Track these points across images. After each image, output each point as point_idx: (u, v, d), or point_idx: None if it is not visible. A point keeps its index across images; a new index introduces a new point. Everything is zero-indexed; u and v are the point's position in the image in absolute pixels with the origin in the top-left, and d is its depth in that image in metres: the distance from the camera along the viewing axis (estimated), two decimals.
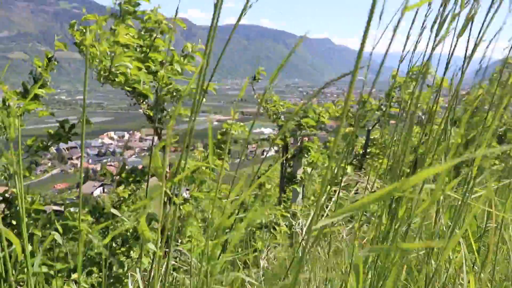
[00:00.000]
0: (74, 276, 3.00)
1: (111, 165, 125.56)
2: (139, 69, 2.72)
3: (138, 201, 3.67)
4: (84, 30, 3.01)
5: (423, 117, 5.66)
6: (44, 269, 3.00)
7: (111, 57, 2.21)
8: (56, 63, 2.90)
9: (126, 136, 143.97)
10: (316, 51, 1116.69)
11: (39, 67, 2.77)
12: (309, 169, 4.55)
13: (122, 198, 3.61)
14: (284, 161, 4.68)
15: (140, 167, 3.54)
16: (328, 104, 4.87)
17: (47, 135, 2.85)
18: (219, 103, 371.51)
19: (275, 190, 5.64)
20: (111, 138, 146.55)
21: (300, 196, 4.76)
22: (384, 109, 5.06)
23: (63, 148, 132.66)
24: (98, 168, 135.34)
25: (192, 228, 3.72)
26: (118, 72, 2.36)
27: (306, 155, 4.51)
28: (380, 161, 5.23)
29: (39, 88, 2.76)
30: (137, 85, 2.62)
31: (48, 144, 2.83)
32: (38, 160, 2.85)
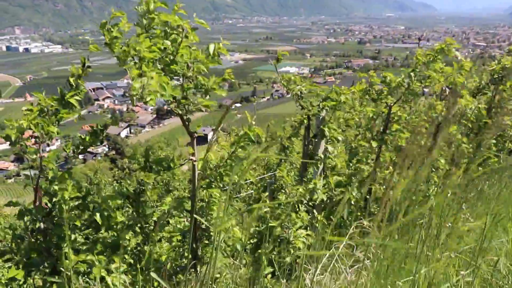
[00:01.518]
0: (114, 264, 3.30)
1: (137, 105, 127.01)
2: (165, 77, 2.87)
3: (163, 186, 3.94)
4: (112, 30, 3.15)
5: (447, 91, 5.70)
6: (87, 257, 3.31)
7: (142, 85, 2.35)
8: (90, 70, 3.07)
9: None
10: None
11: (73, 76, 2.95)
12: (329, 147, 4.71)
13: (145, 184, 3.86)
14: (306, 140, 4.84)
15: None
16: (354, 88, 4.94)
17: (80, 140, 3.06)
18: (244, 42, 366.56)
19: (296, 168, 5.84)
20: None
21: (320, 171, 4.96)
22: (406, 86, 5.12)
23: (89, 89, 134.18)
24: (124, 109, 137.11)
25: (217, 207, 3.96)
26: (149, 95, 2.52)
27: (326, 135, 4.66)
28: (401, 134, 5.35)
29: (74, 95, 2.95)
30: (167, 98, 2.78)
31: (85, 147, 3.06)
32: (76, 160, 3.09)
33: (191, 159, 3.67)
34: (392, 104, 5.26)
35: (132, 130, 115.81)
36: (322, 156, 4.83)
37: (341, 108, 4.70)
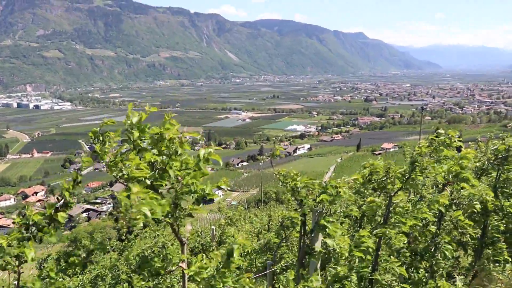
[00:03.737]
0: None
1: None
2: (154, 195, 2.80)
3: None
4: (102, 140, 3.12)
5: (450, 177, 5.61)
6: None
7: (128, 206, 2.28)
8: (80, 185, 3.02)
9: None
10: (350, 46, 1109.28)
11: (67, 190, 2.90)
12: (329, 241, 4.57)
13: None
14: (303, 235, 4.71)
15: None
16: (357, 175, 4.87)
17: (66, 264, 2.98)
18: (252, 100, 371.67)
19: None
20: None
21: (316, 266, 4.81)
22: (407, 176, 5.05)
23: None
24: None
25: None
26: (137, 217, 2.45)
27: (324, 230, 4.54)
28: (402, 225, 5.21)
29: (62, 208, 2.90)
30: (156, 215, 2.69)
31: (69, 267, 2.96)
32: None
33: (181, 266, 3.55)
34: (392, 194, 5.16)
35: None
36: (319, 250, 4.69)
37: (339, 201, 4.61)
